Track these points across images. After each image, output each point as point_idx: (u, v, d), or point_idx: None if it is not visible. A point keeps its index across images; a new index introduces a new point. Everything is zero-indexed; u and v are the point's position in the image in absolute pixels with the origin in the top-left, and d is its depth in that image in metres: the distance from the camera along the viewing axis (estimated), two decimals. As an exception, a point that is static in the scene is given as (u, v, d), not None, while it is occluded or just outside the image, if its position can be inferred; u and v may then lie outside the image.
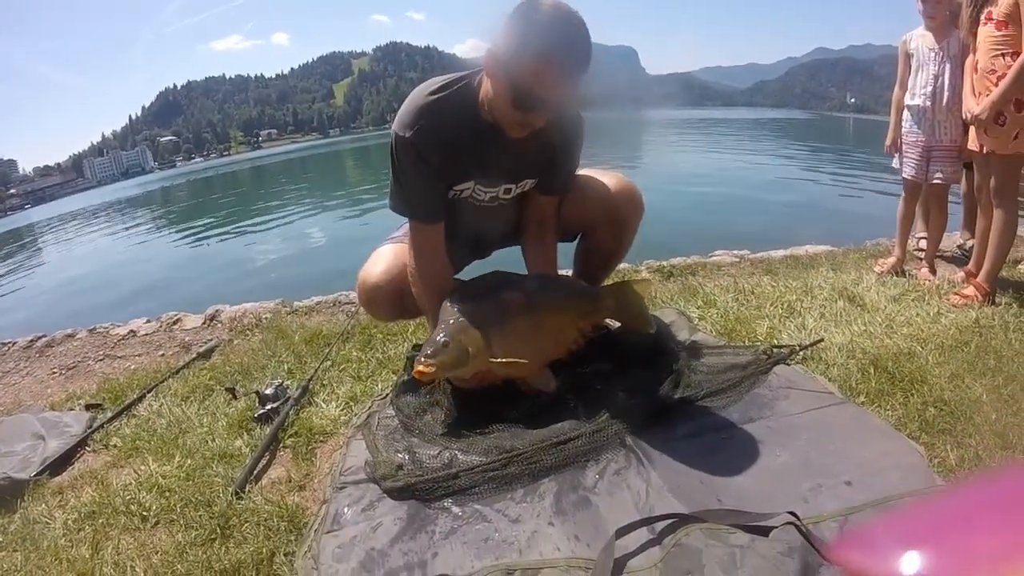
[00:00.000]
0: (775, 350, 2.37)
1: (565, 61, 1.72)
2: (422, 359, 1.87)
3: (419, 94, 1.96)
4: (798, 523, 1.41)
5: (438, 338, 1.91)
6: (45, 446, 2.46)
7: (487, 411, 2.08)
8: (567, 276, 2.54)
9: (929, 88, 3.43)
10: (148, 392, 2.81)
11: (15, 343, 4.09)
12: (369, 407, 2.26)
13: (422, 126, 1.92)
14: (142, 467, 2.18)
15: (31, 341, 4.04)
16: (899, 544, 0.30)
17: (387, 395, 2.31)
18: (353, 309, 3.45)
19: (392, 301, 2.26)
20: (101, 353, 3.66)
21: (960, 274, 3.43)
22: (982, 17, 3.03)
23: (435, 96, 1.94)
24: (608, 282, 2.68)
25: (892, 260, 3.71)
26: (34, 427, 2.58)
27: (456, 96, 1.95)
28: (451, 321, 1.96)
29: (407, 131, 1.93)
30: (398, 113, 1.98)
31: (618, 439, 1.89)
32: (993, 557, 0.28)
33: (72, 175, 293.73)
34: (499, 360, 1.96)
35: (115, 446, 2.42)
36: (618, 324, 2.41)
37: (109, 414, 2.66)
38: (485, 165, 2.04)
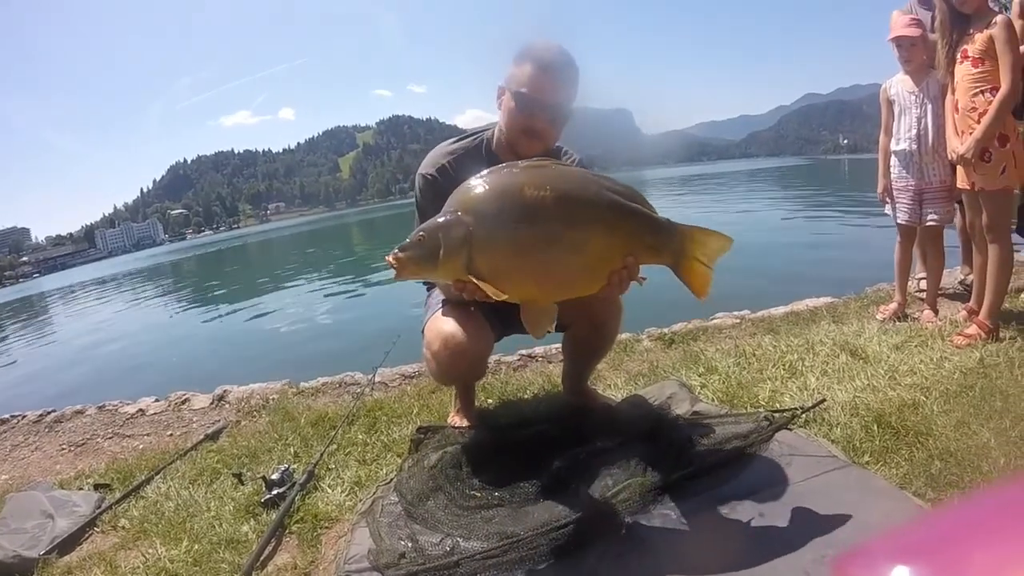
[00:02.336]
0: (776, 415, 2.37)
1: (548, 63, 2.13)
2: (397, 247, 1.70)
3: (440, 145, 2.40)
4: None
5: (421, 230, 1.71)
6: (54, 525, 2.48)
7: (489, 494, 2.10)
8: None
9: (913, 132, 3.49)
10: (156, 474, 2.83)
11: (24, 416, 4.12)
12: (374, 492, 2.27)
13: (443, 166, 2.31)
14: (150, 550, 2.20)
15: (40, 415, 4.07)
16: (897, 559, 0.30)
17: (391, 480, 2.33)
18: (358, 391, 3.49)
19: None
20: (110, 431, 3.68)
21: (962, 312, 3.46)
22: (958, 56, 3.12)
23: (455, 144, 2.39)
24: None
25: (894, 306, 3.74)
26: (43, 505, 2.60)
27: (473, 144, 2.38)
28: (448, 208, 1.73)
29: (431, 169, 2.32)
30: (422, 163, 2.35)
31: (618, 521, 1.90)
32: (989, 570, 0.28)
33: (84, 245, 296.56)
34: (474, 281, 1.67)
35: (123, 528, 2.44)
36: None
37: (118, 495, 2.68)
38: None
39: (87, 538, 2.46)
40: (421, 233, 1.69)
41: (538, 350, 3.71)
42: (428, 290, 2.64)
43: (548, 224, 1.66)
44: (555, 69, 2.13)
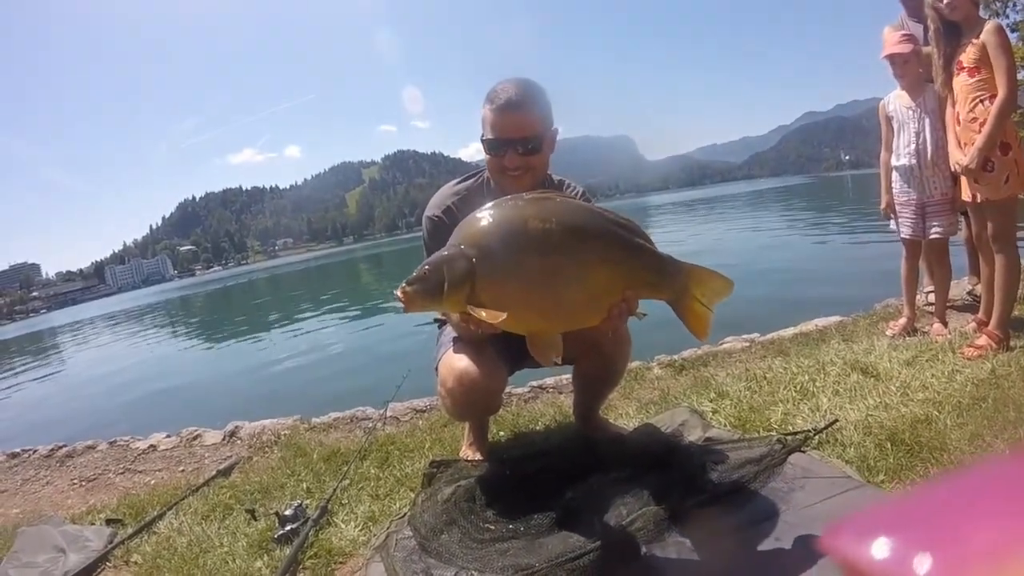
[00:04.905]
0: (789, 438, 2.35)
1: (504, 103, 2.16)
2: (404, 282, 1.71)
3: (445, 187, 2.49)
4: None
5: (426, 263, 1.72)
6: (66, 560, 2.48)
7: (503, 527, 2.09)
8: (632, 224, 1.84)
9: (912, 147, 3.51)
10: (169, 509, 2.82)
11: (36, 451, 4.14)
12: (387, 527, 2.26)
13: (449, 207, 2.36)
14: (163, 587, 2.19)
15: (52, 450, 4.09)
16: (886, 530, 0.29)
17: (405, 514, 2.31)
18: (370, 425, 3.49)
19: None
20: (121, 466, 3.68)
21: (972, 324, 3.46)
22: (954, 68, 3.14)
23: (459, 184, 2.47)
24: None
25: (903, 321, 3.75)
26: (55, 540, 2.61)
27: (476, 184, 2.46)
28: (453, 242, 1.75)
29: (437, 211, 2.39)
30: (428, 205, 2.42)
31: (632, 550, 1.89)
32: (995, 547, 0.27)
33: (94, 281, 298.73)
34: (476, 312, 1.66)
35: (136, 563, 2.43)
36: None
37: (130, 530, 2.67)
38: None
39: (99, 573, 2.45)
40: (426, 267, 1.71)
41: (549, 381, 3.71)
42: (440, 327, 2.65)
43: (552, 256, 1.68)
44: (511, 106, 2.16)
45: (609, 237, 1.75)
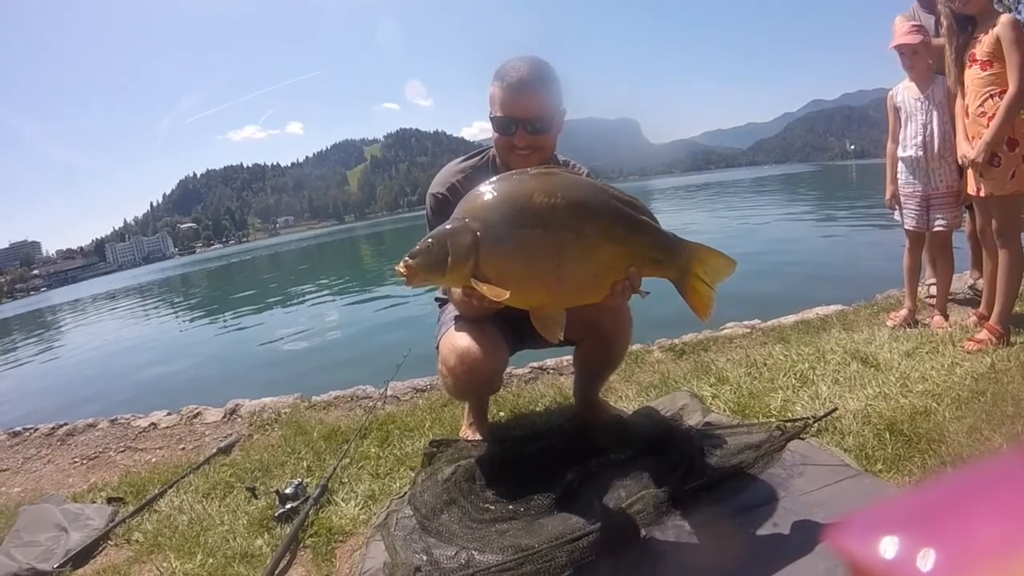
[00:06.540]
0: (788, 425, 2.35)
1: (515, 81, 2.14)
2: (407, 255, 1.71)
3: (450, 164, 2.47)
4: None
5: (430, 236, 1.73)
6: (68, 538, 2.49)
7: (503, 507, 2.10)
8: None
9: (919, 138, 3.49)
10: (170, 487, 2.83)
11: (37, 429, 4.13)
12: (387, 506, 2.26)
13: (453, 184, 2.35)
14: (164, 564, 2.20)
15: (53, 428, 4.08)
16: (891, 528, 0.29)
17: (405, 493, 2.32)
18: (370, 404, 3.49)
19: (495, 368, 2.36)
20: (122, 445, 3.69)
21: (973, 318, 3.45)
22: (966, 60, 3.11)
23: (464, 163, 2.45)
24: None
25: (904, 312, 3.73)
26: (56, 518, 2.61)
27: (481, 162, 2.44)
28: (457, 215, 1.75)
29: (441, 188, 2.37)
30: (432, 182, 2.40)
31: (631, 533, 1.89)
32: (998, 545, 0.27)
33: (94, 258, 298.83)
34: (479, 287, 1.67)
35: (137, 541, 2.44)
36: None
37: (131, 508, 2.69)
38: None
39: (101, 552, 2.46)
40: (429, 240, 1.71)
41: (549, 362, 3.71)
42: (441, 305, 2.65)
43: (556, 231, 1.67)
44: (522, 85, 2.14)
45: (614, 214, 1.74)
